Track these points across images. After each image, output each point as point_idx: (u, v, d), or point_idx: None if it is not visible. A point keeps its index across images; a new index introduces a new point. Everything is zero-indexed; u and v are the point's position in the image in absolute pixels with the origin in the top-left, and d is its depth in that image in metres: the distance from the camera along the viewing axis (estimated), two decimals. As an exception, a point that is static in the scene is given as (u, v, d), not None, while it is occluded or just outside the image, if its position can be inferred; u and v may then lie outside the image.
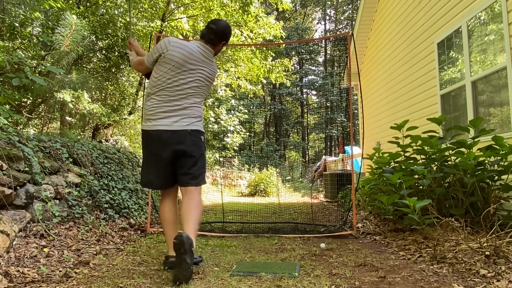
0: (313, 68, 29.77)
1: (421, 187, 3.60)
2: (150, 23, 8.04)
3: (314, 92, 30.54)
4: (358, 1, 24.31)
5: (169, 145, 2.37)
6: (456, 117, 4.68)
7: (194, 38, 9.52)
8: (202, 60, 2.48)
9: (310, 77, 28.43)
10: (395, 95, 6.56)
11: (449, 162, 3.48)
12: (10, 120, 4.35)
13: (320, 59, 29.95)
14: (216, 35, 2.51)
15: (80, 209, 3.46)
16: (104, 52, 7.16)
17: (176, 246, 2.05)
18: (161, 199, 2.59)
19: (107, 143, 7.65)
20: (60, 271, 2.28)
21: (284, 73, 10.36)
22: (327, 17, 32.77)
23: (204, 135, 2.51)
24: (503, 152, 2.99)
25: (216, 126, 15.52)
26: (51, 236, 2.82)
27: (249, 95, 12.09)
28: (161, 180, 2.49)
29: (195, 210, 2.33)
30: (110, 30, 6.68)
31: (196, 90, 2.47)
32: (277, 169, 13.51)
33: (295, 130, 30.65)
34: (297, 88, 27.85)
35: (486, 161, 3.18)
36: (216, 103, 15.60)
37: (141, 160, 6.13)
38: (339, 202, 6.12)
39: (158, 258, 2.76)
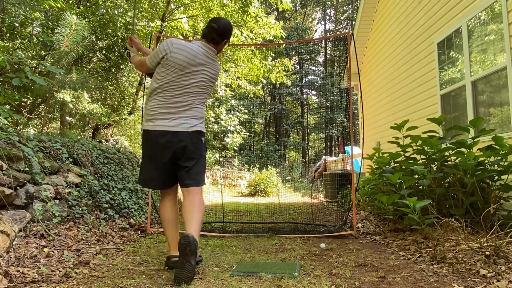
0: (313, 68, 29.76)
1: (421, 187, 3.60)
2: (150, 23, 8.04)
3: (314, 92, 30.54)
4: (358, 1, 24.31)
5: (170, 146, 2.37)
6: (456, 117, 4.68)
7: (194, 38, 9.52)
8: (205, 61, 2.48)
9: (310, 77, 28.42)
10: (395, 95, 6.56)
11: (449, 162, 3.48)
12: (10, 120, 4.35)
13: (320, 59, 29.95)
14: (218, 34, 2.50)
15: (80, 209, 3.46)
16: (104, 52, 7.16)
17: (181, 247, 2.07)
18: (161, 199, 2.59)
19: (107, 143, 7.65)
20: (60, 271, 2.28)
21: (284, 73, 10.36)
22: (327, 17, 32.78)
23: (204, 136, 2.52)
24: (503, 152, 2.99)
25: (216, 126, 15.53)
26: (51, 236, 2.82)
27: (249, 95, 12.08)
28: (159, 180, 2.49)
29: (198, 212, 2.32)
30: (110, 30, 6.67)
31: (198, 90, 2.46)
32: (277, 169, 13.51)
33: (295, 130, 30.65)
34: (297, 88, 27.85)
35: (486, 161, 3.18)
36: (216, 103, 15.61)
37: (141, 160, 6.15)
38: (339, 202, 6.13)
39: (158, 258, 2.76)
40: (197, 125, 2.44)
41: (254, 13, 8.76)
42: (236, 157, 17.85)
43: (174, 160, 2.43)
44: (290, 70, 10.76)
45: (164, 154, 2.39)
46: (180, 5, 8.92)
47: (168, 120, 2.38)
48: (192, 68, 2.42)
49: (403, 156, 3.95)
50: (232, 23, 8.70)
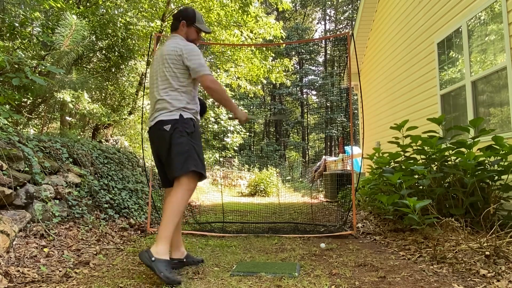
0: (313, 68, 29.76)
1: (421, 187, 3.60)
2: (150, 23, 8.04)
3: (314, 92, 30.54)
4: (358, 1, 24.31)
5: (152, 145, 2.52)
6: (456, 117, 4.68)
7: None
8: (162, 49, 2.50)
9: (310, 77, 28.42)
10: (395, 95, 6.56)
11: (449, 162, 3.48)
12: (10, 120, 4.35)
13: (320, 59, 29.95)
14: (174, 19, 2.61)
15: (80, 209, 3.47)
16: (104, 52, 7.15)
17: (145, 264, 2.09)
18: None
19: (107, 143, 7.65)
20: (60, 271, 2.28)
21: (284, 73, 10.36)
22: (327, 17, 32.77)
23: (171, 123, 2.34)
24: (503, 152, 2.99)
25: (216, 126, 15.52)
26: (51, 236, 2.81)
27: (249, 95, 12.08)
28: (161, 179, 2.57)
29: (168, 209, 2.20)
30: (110, 30, 6.67)
31: (162, 78, 2.43)
32: (277, 169, 13.51)
33: (295, 130, 30.65)
34: (297, 88, 27.85)
35: (486, 161, 3.18)
36: (216, 103, 15.59)
37: (141, 160, 6.16)
38: (339, 202, 6.12)
39: (158, 258, 2.76)
40: (157, 116, 2.40)
41: (254, 13, 8.76)
42: (236, 157, 17.85)
43: (160, 159, 2.51)
44: (290, 70, 10.75)
45: (153, 154, 2.56)
46: (180, 5, 8.91)
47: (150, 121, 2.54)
48: (155, 64, 2.52)
49: (403, 156, 3.95)
50: (232, 23, 8.73)
